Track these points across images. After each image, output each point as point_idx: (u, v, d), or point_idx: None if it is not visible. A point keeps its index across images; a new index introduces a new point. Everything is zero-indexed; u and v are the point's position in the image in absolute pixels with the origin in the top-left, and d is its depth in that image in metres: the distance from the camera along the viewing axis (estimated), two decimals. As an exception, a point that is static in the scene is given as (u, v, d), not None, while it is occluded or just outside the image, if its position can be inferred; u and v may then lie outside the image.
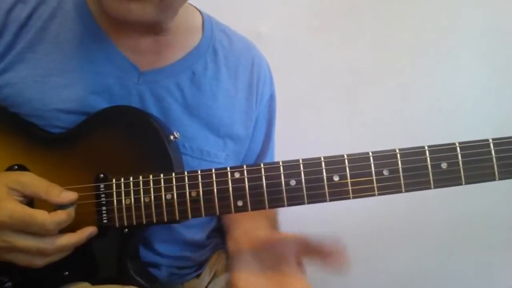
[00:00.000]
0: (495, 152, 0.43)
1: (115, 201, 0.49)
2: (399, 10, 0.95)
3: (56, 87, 0.53)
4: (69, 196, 0.47)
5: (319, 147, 0.95)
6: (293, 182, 0.46)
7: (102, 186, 0.50)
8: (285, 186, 0.46)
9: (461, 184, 0.43)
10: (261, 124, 0.67)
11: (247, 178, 0.46)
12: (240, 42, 0.65)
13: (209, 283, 0.68)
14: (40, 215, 0.44)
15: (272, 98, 0.68)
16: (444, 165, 0.43)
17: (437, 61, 0.97)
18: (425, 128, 0.97)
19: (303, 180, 0.45)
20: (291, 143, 0.92)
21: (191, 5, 0.62)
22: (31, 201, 0.47)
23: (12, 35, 0.53)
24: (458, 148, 0.43)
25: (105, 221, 0.49)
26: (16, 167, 0.51)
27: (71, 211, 0.47)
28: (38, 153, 0.52)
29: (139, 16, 0.47)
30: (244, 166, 0.47)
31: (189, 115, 0.58)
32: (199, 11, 0.63)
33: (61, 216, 0.45)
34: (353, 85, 0.97)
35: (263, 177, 0.46)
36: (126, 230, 0.50)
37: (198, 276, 0.67)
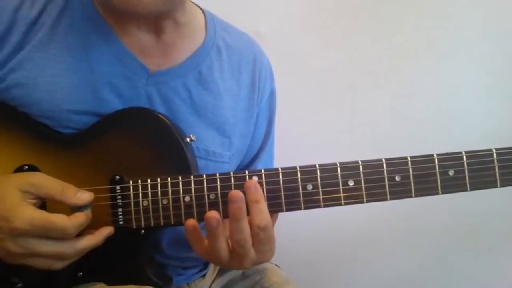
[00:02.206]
0: (497, 162, 0.46)
1: (132, 202, 0.49)
2: (399, 10, 0.95)
3: (67, 88, 0.52)
4: (86, 196, 0.47)
5: (319, 147, 0.96)
6: (309, 186, 0.47)
7: (118, 188, 0.50)
8: (302, 190, 0.47)
9: (466, 190, 0.46)
10: (262, 121, 0.67)
11: (265, 181, 0.48)
12: (242, 40, 0.66)
13: (212, 282, 0.69)
14: (60, 220, 0.43)
15: (272, 95, 0.69)
16: (451, 172, 0.46)
17: (437, 61, 0.98)
18: (425, 129, 0.98)
19: (319, 184, 0.47)
20: (291, 143, 0.93)
21: (194, 3, 0.63)
22: (43, 202, 0.47)
23: (21, 34, 0.52)
24: (464, 157, 0.46)
25: (121, 222, 0.50)
26: (26, 167, 0.51)
27: (88, 212, 0.47)
28: (49, 154, 0.51)
29: (147, 5, 0.47)
30: (262, 170, 0.48)
31: (196, 115, 0.58)
32: (201, 9, 0.64)
33: (80, 218, 0.45)
34: (353, 85, 0.97)
35: (281, 181, 0.48)
36: (143, 231, 0.50)
37: (203, 276, 0.68)
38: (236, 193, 0.45)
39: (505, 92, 1.00)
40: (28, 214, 0.43)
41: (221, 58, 0.61)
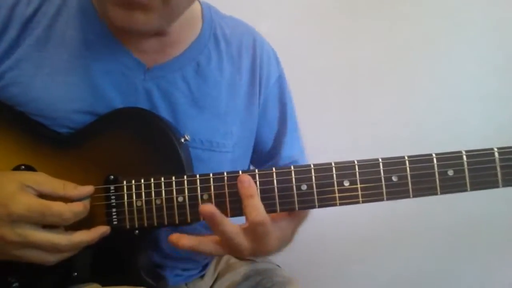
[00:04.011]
0: (499, 161, 0.44)
1: (126, 203, 0.49)
2: (399, 10, 0.95)
3: (64, 86, 0.53)
4: (86, 189, 0.48)
5: (318, 147, 0.95)
6: (304, 187, 0.46)
7: (112, 187, 0.50)
8: (296, 190, 0.46)
9: (466, 190, 0.45)
10: (273, 106, 0.65)
11: (259, 181, 0.47)
12: (240, 26, 0.65)
13: (213, 284, 0.68)
14: (57, 205, 0.44)
15: (281, 78, 0.66)
16: (450, 172, 0.45)
17: (437, 61, 0.97)
18: (425, 129, 0.97)
19: (314, 184, 0.46)
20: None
21: None
22: None
23: (17, 32, 0.52)
24: (464, 156, 0.45)
25: (115, 222, 0.49)
26: (23, 167, 0.51)
27: (87, 203, 0.47)
28: (45, 154, 0.52)
29: (143, 25, 0.48)
30: (256, 170, 0.47)
31: (196, 107, 0.58)
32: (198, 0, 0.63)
33: (78, 206, 0.46)
34: (353, 85, 0.97)
35: (275, 181, 0.47)
36: (137, 231, 0.50)
37: (202, 277, 0.68)
38: (244, 175, 0.47)
39: (506, 92, 0.99)
40: (26, 200, 0.43)
41: (219, 48, 0.61)
